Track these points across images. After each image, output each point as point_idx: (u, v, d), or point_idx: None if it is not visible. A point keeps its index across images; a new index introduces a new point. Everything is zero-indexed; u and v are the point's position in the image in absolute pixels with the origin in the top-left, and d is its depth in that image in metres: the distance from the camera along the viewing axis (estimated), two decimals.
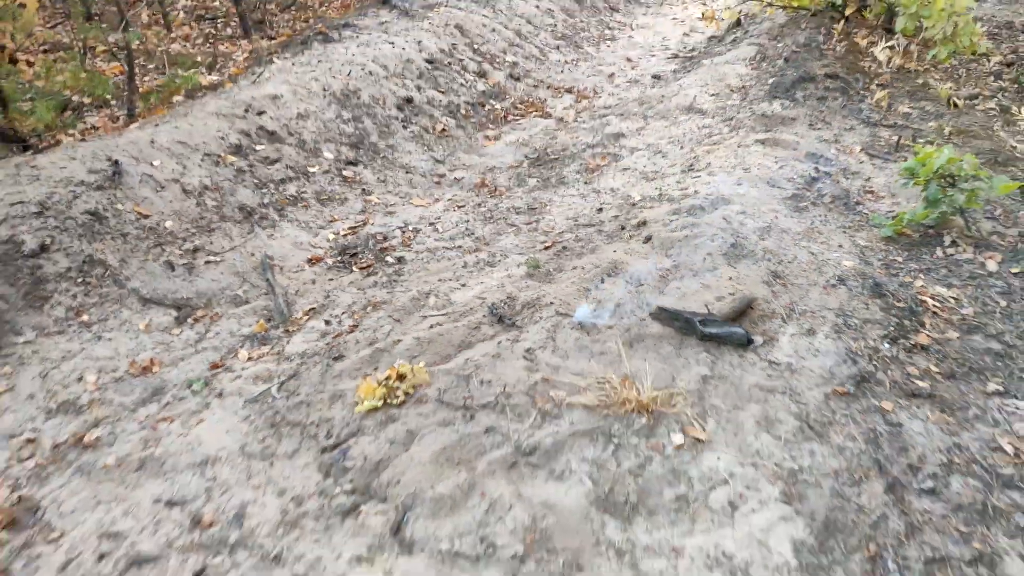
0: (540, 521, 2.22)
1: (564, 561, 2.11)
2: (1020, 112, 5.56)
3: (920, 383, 2.81)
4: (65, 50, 7.02)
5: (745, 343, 2.92)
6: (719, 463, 2.42)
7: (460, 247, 4.32)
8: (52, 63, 5.02)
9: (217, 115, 5.03)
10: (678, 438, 2.51)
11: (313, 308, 3.86)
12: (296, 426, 2.89)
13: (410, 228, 4.67)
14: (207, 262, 4.13)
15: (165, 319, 3.75)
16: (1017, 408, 2.70)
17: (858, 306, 3.23)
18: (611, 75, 8.13)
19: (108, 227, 3.96)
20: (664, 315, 3.04)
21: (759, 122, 5.50)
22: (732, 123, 5.68)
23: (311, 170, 5.10)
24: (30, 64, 6.53)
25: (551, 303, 3.36)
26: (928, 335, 3.08)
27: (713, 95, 6.54)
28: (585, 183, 5.03)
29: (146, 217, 4.14)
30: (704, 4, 10.40)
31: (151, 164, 4.39)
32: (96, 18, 7.79)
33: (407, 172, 5.52)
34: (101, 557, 2.38)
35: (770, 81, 6.39)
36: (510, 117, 6.83)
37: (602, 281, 3.51)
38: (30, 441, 2.96)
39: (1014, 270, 3.53)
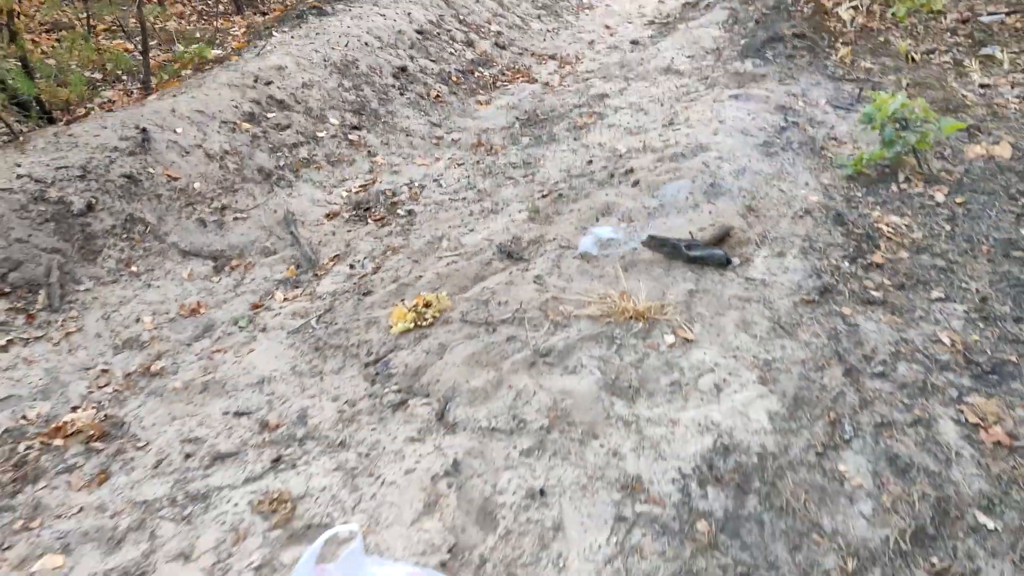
0: (560, 403, 2.68)
1: (582, 431, 2.57)
2: (972, 64, 6.03)
3: (875, 293, 3.29)
4: (66, 29, 7.28)
5: (725, 263, 3.39)
6: (705, 356, 2.89)
7: (464, 199, 4.74)
8: (72, 41, 5.32)
9: (229, 86, 5.37)
10: (670, 338, 2.98)
11: (337, 255, 4.27)
12: (338, 348, 3.32)
13: (416, 184, 5.07)
14: (235, 218, 4.52)
15: (204, 268, 4.15)
16: (955, 310, 3.19)
17: (822, 233, 3.70)
18: (591, 42, 8.52)
19: (143, 188, 4.33)
20: (654, 242, 3.50)
21: (732, 80, 5.94)
22: (708, 81, 6.11)
23: (319, 135, 5.48)
24: (35, 43, 6.81)
25: (553, 239, 3.81)
26: (882, 255, 3.56)
27: (689, 57, 6.96)
28: (574, 139, 5.45)
29: (175, 179, 4.51)
30: None
31: (175, 131, 4.75)
32: None
33: (407, 135, 5.90)
34: (187, 456, 2.79)
35: (742, 42, 6.83)
36: (499, 83, 7.22)
37: (597, 220, 3.96)
38: (104, 371, 3.37)
39: (958, 200, 4.01)
